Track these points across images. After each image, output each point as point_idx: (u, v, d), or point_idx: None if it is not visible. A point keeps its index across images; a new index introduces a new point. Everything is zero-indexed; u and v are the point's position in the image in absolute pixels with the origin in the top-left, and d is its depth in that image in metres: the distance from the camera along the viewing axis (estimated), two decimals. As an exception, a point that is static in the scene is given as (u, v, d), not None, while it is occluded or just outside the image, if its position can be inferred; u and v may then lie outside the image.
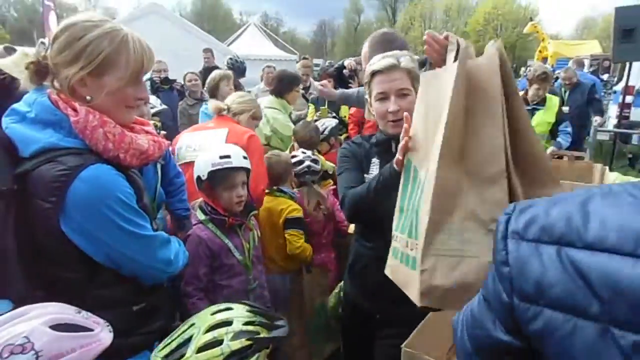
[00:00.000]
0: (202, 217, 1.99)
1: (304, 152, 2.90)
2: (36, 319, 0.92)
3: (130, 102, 1.23)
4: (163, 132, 2.24)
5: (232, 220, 1.97)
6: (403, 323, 1.41)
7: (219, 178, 1.95)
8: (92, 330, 0.98)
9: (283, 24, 75.33)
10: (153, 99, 4.01)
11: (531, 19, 27.91)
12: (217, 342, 1.17)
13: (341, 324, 2.06)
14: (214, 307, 1.29)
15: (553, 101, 4.29)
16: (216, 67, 6.77)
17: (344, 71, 5.10)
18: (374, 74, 1.60)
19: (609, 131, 5.57)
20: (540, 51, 20.57)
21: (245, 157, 2.02)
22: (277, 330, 1.28)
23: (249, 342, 1.19)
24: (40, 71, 1.16)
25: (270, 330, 1.26)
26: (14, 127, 1.13)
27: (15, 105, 1.18)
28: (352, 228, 2.27)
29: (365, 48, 2.33)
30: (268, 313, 1.33)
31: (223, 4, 64.45)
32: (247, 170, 2.03)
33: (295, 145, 3.29)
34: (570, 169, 3.01)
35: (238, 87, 4.29)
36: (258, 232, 2.15)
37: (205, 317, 1.24)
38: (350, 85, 5.59)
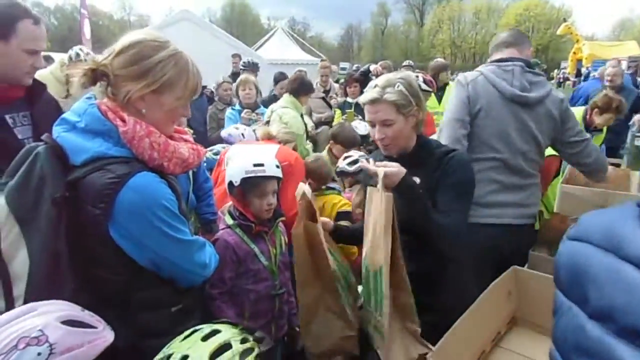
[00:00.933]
0: (230, 221, 2.01)
1: (356, 152, 3.03)
2: (49, 314, 0.96)
3: (177, 118, 1.32)
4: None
5: (259, 227, 2.00)
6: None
7: (251, 185, 1.97)
8: (96, 327, 1.02)
9: (310, 28, 75.92)
10: None
11: (565, 20, 27.16)
12: None
13: None
14: (199, 334, 1.17)
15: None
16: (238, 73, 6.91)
17: (370, 75, 5.10)
18: (363, 104, 1.75)
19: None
20: (574, 52, 19.98)
21: (277, 166, 2.03)
22: (265, 343, 1.23)
23: None
24: (95, 77, 1.20)
25: (260, 344, 1.22)
26: (65, 135, 1.18)
27: (65, 115, 1.23)
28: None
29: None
30: (246, 328, 1.27)
31: (251, 9, 65.43)
32: (278, 179, 2.04)
33: (333, 146, 3.49)
34: (607, 177, 2.91)
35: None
36: (285, 237, 2.17)
37: (198, 346, 1.14)
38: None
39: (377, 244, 1.47)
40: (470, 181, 1.71)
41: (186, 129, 1.99)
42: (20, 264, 1.10)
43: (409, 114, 1.67)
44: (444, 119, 2.27)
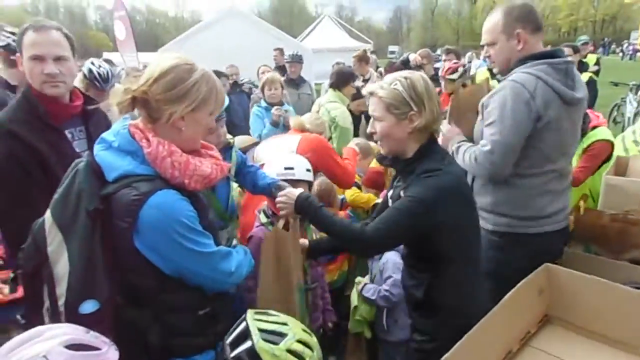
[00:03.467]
0: (264, 220, 2.11)
1: None
2: (53, 340, 1.01)
3: (207, 132, 1.43)
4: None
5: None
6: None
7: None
8: (100, 349, 1.08)
9: (358, 12, 74.87)
10: None
11: (635, -14, 24.92)
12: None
13: None
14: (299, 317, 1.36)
15: None
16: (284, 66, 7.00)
17: (410, 64, 5.02)
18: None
19: None
20: (646, 21, 18.34)
21: (308, 170, 2.12)
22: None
23: None
24: (135, 104, 1.32)
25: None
26: (102, 154, 1.31)
27: (104, 135, 1.36)
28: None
29: (498, 20, 1.98)
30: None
31: (298, -1, 65.52)
32: (309, 183, 2.14)
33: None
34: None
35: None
36: (315, 235, 2.23)
37: (296, 325, 1.32)
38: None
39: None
40: (420, 202, 1.50)
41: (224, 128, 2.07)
42: (62, 267, 1.24)
43: (402, 116, 1.57)
44: (494, 137, 1.86)
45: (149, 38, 49.09)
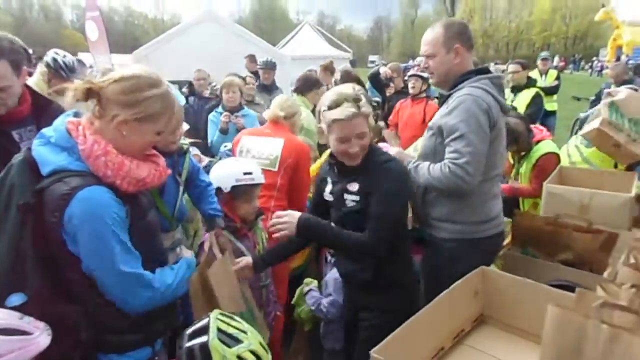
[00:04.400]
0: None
1: None
2: None
3: (149, 146, 1.47)
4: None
5: (244, 228, 2.19)
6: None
7: (241, 192, 2.17)
8: (32, 333, 1.12)
9: (339, 21, 75.48)
10: None
11: (603, 5, 25.97)
12: None
13: None
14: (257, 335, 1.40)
15: None
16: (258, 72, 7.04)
17: (381, 76, 5.17)
18: (335, 121, 1.74)
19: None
20: (614, 39, 19.16)
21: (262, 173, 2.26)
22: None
23: None
24: (88, 95, 1.34)
25: None
26: (39, 149, 1.34)
27: (44, 130, 1.39)
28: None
29: (439, 33, 2.08)
30: None
31: (280, 4, 65.59)
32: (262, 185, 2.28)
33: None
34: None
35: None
36: (266, 234, 2.33)
37: (255, 337, 1.37)
38: (386, 90, 5.66)
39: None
40: (401, 191, 1.81)
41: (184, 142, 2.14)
42: None
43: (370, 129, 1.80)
44: (468, 148, 1.90)
45: (127, 39, 48.33)
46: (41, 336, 1.13)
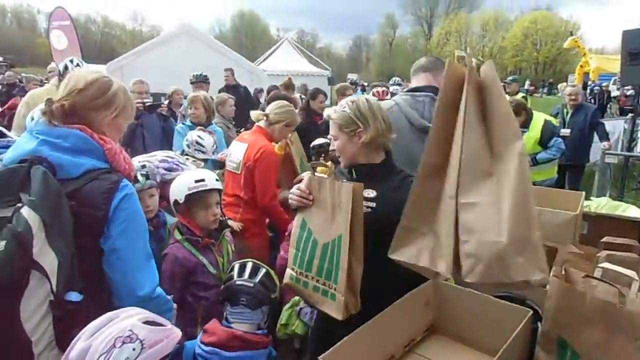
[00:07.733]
0: (179, 236, 2.19)
1: None
2: (132, 317, 1.18)
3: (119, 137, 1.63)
4: None
5: (206, 240, 2.18)
6: None
7: (195, 200, 2.18)
8: (166, 325, 1.23)
9: (319, 39, 76.46)
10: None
11: (571, 34, 27.13)
12: None
13: None
14: None
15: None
16: (237, 86, 7.10)
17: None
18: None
19: (617, 154, 5.42)
20: (581, 66, 20.01)
21: (217, 180, 2.29)
22: None
23: None
24: (64, 114, 1.43)
25: None
26: (56, 155, 1.39)
27: (47, 138, 1.41)
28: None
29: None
30: None
31: (261, 20, 66.01)
32: (219, 191, 2.29)
33: None
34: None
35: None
36: (232, 247, 2.34)
37: None
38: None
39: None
40: None
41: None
42: (49, 264, 1.27)
43: (352, 133, 1.86)
44: None
45: (103, 50, 47.76)
46: (174, 327, 1.24)
